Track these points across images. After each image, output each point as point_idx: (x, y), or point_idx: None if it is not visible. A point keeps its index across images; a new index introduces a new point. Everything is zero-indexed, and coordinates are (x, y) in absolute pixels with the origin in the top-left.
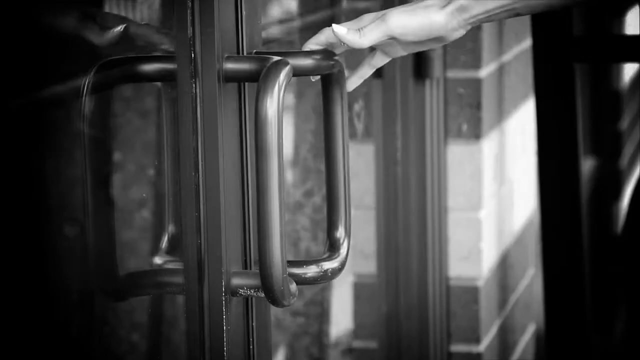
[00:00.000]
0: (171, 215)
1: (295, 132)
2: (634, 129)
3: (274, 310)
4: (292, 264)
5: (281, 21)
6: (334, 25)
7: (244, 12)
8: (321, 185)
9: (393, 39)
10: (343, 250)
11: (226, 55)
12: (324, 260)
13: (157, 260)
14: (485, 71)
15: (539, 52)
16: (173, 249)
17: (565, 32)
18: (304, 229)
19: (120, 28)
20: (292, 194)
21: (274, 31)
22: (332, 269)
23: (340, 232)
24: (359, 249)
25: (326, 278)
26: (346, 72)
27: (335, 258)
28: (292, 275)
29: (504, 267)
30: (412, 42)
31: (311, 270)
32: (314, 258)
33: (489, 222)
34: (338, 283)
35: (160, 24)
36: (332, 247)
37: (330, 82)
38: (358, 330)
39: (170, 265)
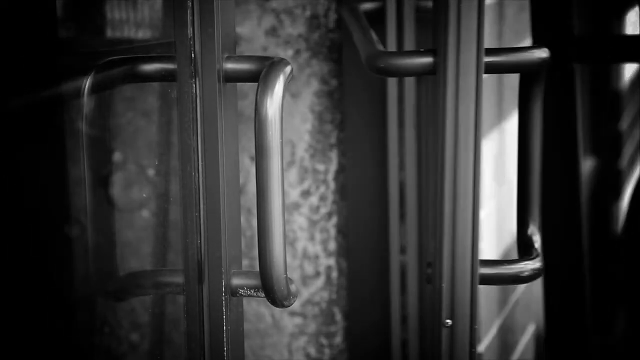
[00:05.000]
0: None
1: (293, 132)
2: (634, 129)
3: (272, 311)
4: (501, 264)
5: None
6: None
7: None
8: (319, 185)
9: None
10: (538, 247)
11: (226, 55)
12: (524, 260)
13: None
14: None
15: None
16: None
17: (565, 32)
18: (301, 229)
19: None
20: (289, 194)
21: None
22: (537, 268)
23: (532, 230)
24: None
25: (532, 278)
26: None
27: (535, 257)
28: (504, 277)
29: None
30: None
31: (523, 270)
32: (513, 258)
33: (489, 222)
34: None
35: (160, 24)
36: (527, 245)
37: (534, 80)
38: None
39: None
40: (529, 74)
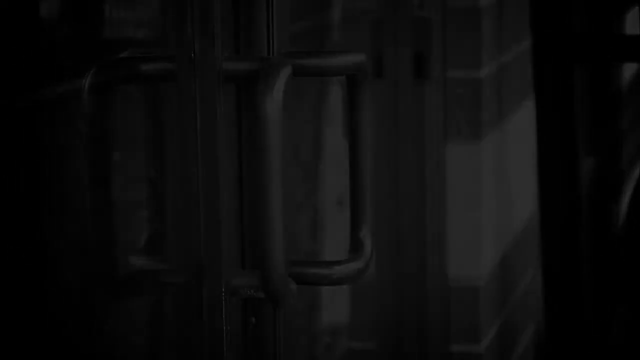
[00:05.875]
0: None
1: (297, 132)
2: (634, 129)
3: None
4: (318, 264)
5: None
6: None
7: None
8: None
9: None
10: (367, 249)
11: (226, 55)
12: (350, 260)
13: (135, 260)
14: (485, 71)
15: (539, 52)
16: (153, 248)
17: (565, 32)
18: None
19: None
20: (291, 194)
21: None
22: (359, 269)
23: (363, 232)
24: None
25: (353, 279)
26: None
27: (360, 258)
28: (318, 277)
29: (504, 267)
30: None
31: (338, 271)
32: (339, 259)
33: (488, 223)
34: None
35: (160, 23)
36: (356, 247)
37: (355, 83)
38: (355, 331)
39: (149, 266)
40: (350, 77)
